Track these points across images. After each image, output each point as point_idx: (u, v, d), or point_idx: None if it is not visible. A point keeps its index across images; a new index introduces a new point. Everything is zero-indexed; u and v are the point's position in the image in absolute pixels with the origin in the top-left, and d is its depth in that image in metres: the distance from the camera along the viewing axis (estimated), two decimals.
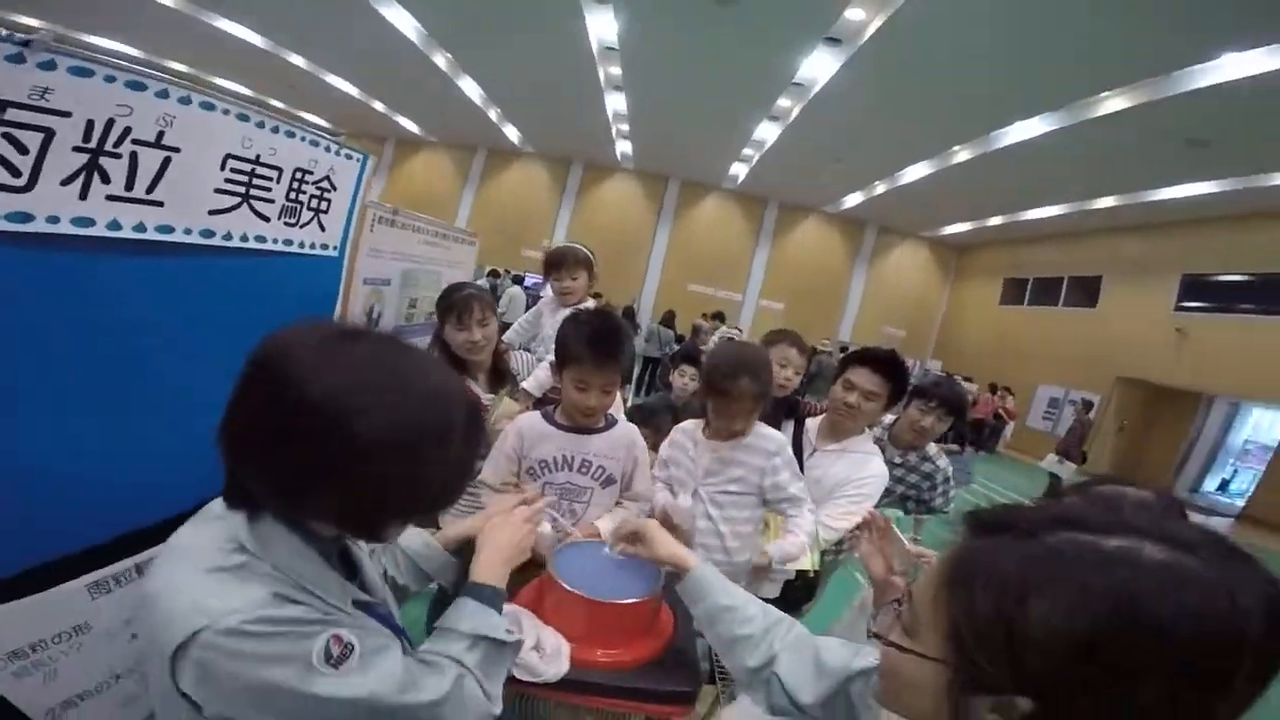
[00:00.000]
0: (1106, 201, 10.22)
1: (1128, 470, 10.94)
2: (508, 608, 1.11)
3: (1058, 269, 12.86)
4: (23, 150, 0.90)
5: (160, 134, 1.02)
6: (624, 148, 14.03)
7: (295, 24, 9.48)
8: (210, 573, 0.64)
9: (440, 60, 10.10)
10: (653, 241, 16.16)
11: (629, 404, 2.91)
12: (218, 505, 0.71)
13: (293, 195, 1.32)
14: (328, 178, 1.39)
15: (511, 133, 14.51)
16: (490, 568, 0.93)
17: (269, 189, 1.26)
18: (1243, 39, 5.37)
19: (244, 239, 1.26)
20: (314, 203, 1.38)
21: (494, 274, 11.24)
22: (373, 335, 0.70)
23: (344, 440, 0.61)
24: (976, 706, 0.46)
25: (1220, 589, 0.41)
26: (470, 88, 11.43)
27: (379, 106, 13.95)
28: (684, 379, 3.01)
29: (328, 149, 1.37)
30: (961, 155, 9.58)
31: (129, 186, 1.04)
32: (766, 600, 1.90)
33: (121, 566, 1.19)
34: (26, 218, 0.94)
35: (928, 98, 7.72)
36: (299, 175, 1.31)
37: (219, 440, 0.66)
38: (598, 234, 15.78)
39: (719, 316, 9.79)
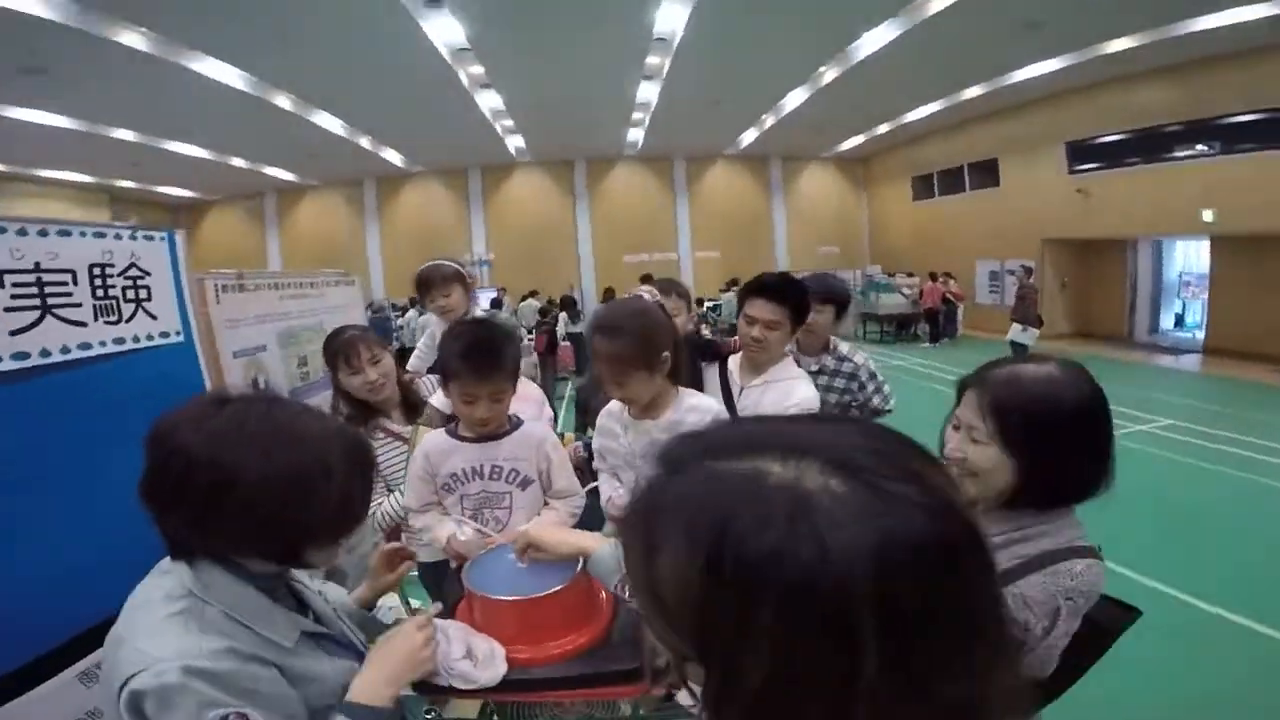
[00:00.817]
0: (974, 91, 10.92)
1: (1082, 323, 11.84)
2: (437, 622, 1.11)
3: (955, 159, 13.61)
4: None
5: None
6: (516, 142, 13.73)
7: (102, 100, 8.62)
8: (159, 621, 0.74)
9: (284, 101, 9.47)
10: (575, 225, 16.07)
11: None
12: (166, 561, 0.82)
13: (100, 293, 1.24)
14: (133, 265, 1.31)
15: (393, 156, 13.94)
16: (371, 685, 0.86)
17: (68, 293, 1.18)
18: None
19: (65, 350, 1.19)
20: (130, 294, 1.31)
21: (414, 301, 10.76)
22: (241, 397, 0.81)
23: (229, 488, 0.73)
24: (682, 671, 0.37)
25: (815, 524, 0.31)
26: (327, 121, 10.81)
27: (238, 163, 13.08)
28: None
29: (119, 236, 1.29)
30: (829, 74, 9.88)
31: None
32: None
33: (101, 654, 1.19)
34: None
35: (776, 26, 7.88)
36: (98, 271, 1.24)
37: (141, 504, 0.77)
38: (517, 233, 15.60)
39: (648, 279, 9.76)
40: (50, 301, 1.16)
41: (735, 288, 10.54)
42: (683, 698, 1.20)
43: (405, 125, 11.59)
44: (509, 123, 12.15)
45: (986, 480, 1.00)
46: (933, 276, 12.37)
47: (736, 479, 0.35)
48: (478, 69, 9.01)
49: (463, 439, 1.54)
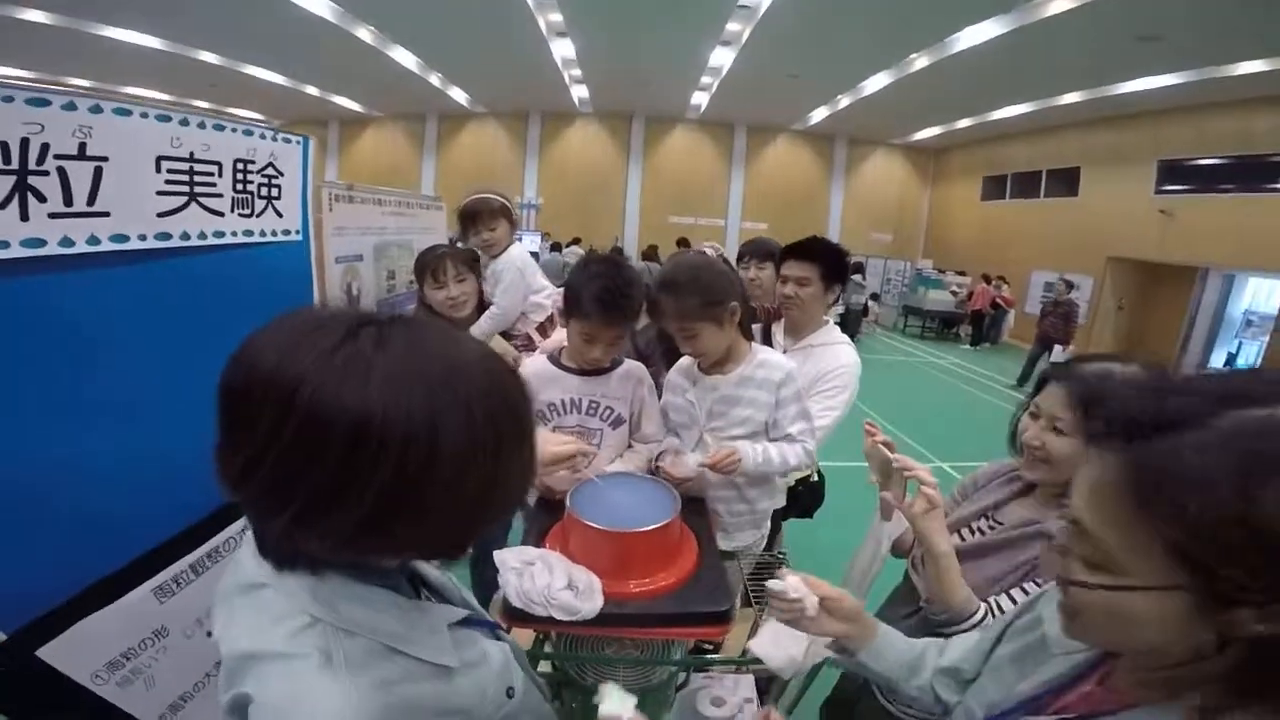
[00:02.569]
0: (1072, 97, 10.36)
1: (1128, 348, 11.29)
2: (535, 551, 1.14)
3: (1035, 163, 13.01)
4: None
5: (82, 145, 0.98)
6: (580, 93, 13.53)
7: (194, 21, 8.79)
8: (293, 671, 0.52)
9: (365, 35, 9.48)
10: (625, 180, 15.94)
11: None
12: (253, 568, 0.57)
13: (240, 187, 1.27)
14: (271, 164, 1.34)
15: (459, 95, 13.90)
16: None
17: (214, 184, 1.22)
18: None
19: (202, 236, 1.22)
20: (264, 191, 1.34)
21: (453, 242, 10.67)
22: (375, 319, 0.53)
23: (426, 464, 0.48)
24: (1237, 621, 0.42)
25: None
26: (404, 57, 10.83)
27: (312, 91, 13.24)
28: None
29: (263, 136, 1.32)
30: (920, 62, 9.42)
31: (68, 202, 1.00)
32: (776, 511, 1.87)
33: (177, 568, 1.22)
34: None
35: (873, 10, 7.52)
36: (241, 166, 1.27)
37: (240, 498, 0.52)
38: (568, 182, 15.55)
39: (683, 243, 9.54)
40: (197, 190, 1.19)
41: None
42: (759, 645, 1.23)
43: (477, 66, 11.50)
44: (577, 73, 11.95)
45: (1059, 469, 1.06)
46: (986, 279, 12.07)
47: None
48: (556, 16, 8.85)
49: (566, 369, 1.52)
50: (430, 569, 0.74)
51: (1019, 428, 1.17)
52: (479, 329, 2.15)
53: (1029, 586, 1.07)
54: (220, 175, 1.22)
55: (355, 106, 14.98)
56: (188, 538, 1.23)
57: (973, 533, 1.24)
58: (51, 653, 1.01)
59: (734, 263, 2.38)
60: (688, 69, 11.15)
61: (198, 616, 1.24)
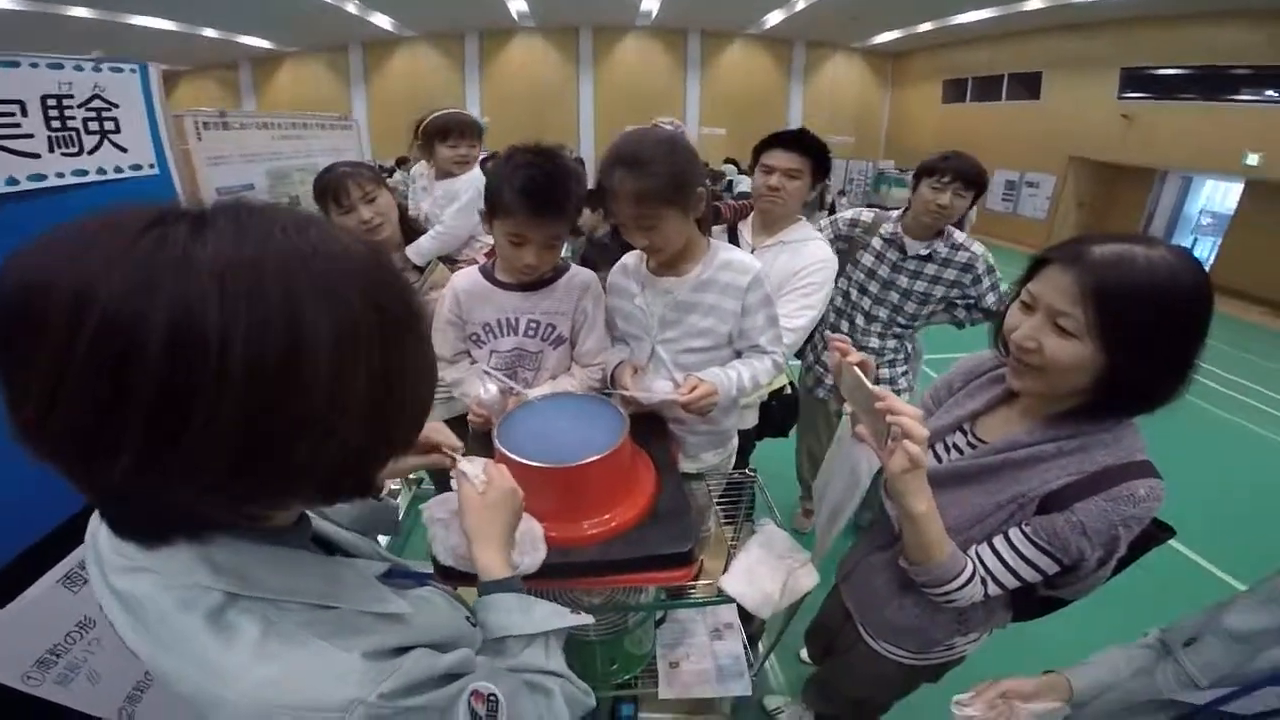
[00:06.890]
0: (1036, 3, 10.24)
1: None
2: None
3: (996, 67, 13.00)
4: None
5: None
6: (518, 5, 12.43)
7: None
8: (247, 658, 0.44)
9: None
10: (578, 94, 15.12)
11: None
12: (115, 555, 0.48)
13: (56, 124, 1.08)
14: (97, 96, 1.13)
15: (383, 20, 12.61)
16: (500, 563, 0.77)
17: (18, 124, 1.03)
18: None
19: (13, 182, 1.04)
20: (93, 125, 1.14)
21: (402, 161, 9.88)
22: (208, 212, 0.39)
23: (290, 362, 0.37)
24: None
25: None
26: None
27: (210, 33, 11.82)
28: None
29: (80, 68, 1.12)
30: None
31: None
32: (746, 430, 1.76)
33: (81, 554, 1.10)
34: None
35: None
36: (53, 102, 1.07)
37: (51, 457, 0.37)
38: (515, 102, 14.63)
39: None
40: None
41: (730, 164, 9.61)
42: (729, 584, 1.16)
43: None
44: None
45: (1057, 379, 0.85)
46: None
47: None
48: None
49: (500, 284, 1.32)
50: (335, 529, 0.67)
51: (1005, 320, 0.93)
52: (419, 248, 1.95)
53: (1014, 536, 0.90)
54: (24, 114, 1.02)
55: (265, 44, 13.52)
56: (85, 520, 1.11)
57: (948, 450, 1.05)
58: None
59: (920, 179, 2.09)
60: None
61: None
